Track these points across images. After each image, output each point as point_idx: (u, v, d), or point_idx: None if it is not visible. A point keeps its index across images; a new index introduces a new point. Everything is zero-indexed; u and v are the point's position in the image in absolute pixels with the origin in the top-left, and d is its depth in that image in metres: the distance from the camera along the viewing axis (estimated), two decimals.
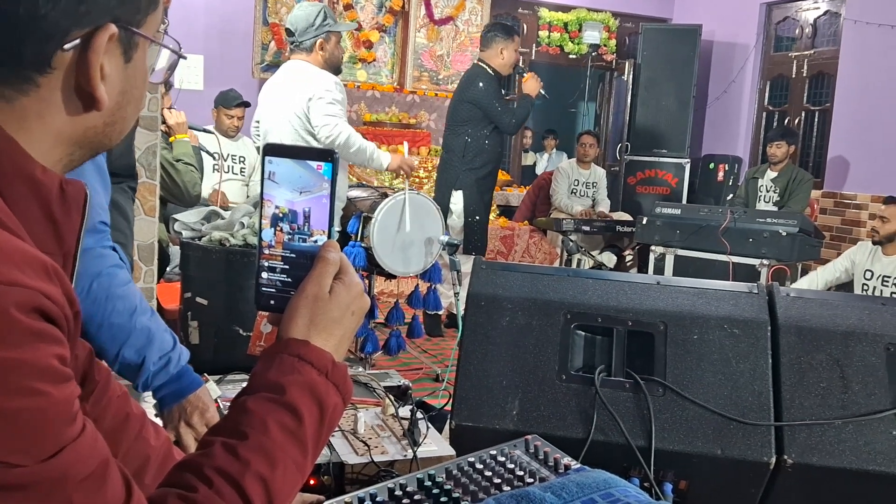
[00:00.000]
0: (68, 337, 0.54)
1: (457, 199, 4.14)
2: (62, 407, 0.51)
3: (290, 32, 3.12)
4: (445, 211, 4.18)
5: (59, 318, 0.52)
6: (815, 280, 4.12)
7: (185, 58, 0.70)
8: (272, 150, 0.70)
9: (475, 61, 4.32)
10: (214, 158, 4.02)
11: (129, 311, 1.19)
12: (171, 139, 2.99)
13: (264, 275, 0.71)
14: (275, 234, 0.71)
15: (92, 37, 0.57)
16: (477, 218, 4.14)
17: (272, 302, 0.71)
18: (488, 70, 4.15)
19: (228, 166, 4.36)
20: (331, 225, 0.70)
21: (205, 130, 3.76)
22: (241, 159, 4.44)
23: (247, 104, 4.43)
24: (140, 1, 0.60)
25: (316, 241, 0.70)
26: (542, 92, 4.19)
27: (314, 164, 0.70)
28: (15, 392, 0.48)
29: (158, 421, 1.24)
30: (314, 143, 3.01)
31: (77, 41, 0.56)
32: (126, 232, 1.84)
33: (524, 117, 4.22)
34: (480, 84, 4.10)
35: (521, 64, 4.33)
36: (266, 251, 0.71)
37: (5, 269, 0.49)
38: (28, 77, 0.56)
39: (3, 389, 0.48)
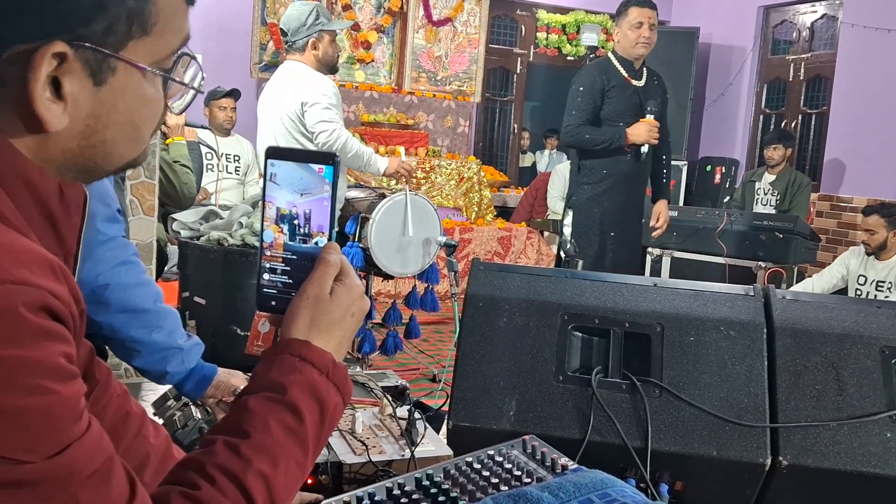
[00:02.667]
0: (74, 335, 0.54)
1: (568, 220, 3.38)
2: (69, 405, 0.52)
3: (283, 33, 3.12)
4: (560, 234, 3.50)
5: (65, 317, 0.53)
6: (811, 289, 4.13)
7: (201, 92, 0.68)
8: (274, 152, 0.71)
9: None
10: (208, 158, 4.02)
11: (153, 297, 1.26)
12: (167, 141, 2.99)
13: (265, 276, 0.72)
14: (275, 235, 0.71)
15: (33, 53, 0.54)
16: (586, 248, 3.30)
17: (273, 303, 0.72)
18: (610, 58, 3.31)
19: (223, 165, 4.36)
20: (331, 227, 0.71)
21: (202, 127, 3.76)
22: (236, 158, 4.44)
23: (236, 93, 4.43)
24: (115, 23, 0.56)
25: (316, 243, 0.71)
26: (644, 150, 3.23)
27: (315, 166, 0.70)
28: (23, 390, 0.49)
29: (158, 420, 1.26)
30: (308, 146, 3.01)
31: (13, 55, 0.54)
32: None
33: (589, 142, 3.23)
34: (581, 78, 3.30)
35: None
36: (267, 252, 0.72)
37: (14, 269, 0.50)
38: None
39: (11, 387, 0.48)
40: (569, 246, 3.36)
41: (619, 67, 3.27)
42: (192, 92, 0.68)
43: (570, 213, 3.37)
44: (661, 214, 3.52)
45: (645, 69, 3.34)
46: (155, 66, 0.61)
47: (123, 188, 2.22)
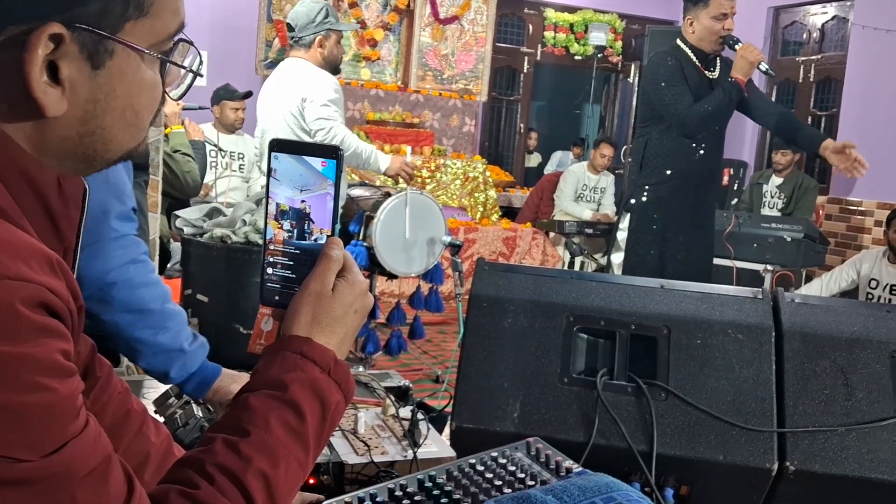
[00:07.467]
0: (72, 331, 0.54)
1: (624, 225, 3.03)
2: (67, 402, 0.51)
3: (290, 28, 3.12)
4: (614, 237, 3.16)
5: (63, 313, 0.52)
6: (819, 289, 4.10)
7: (200, 75, 0.66)
8: (278, 145, 0.70)
9: None
10: (212, 155, 4.03)
11: (160, 297, 1.25)
12: (166, 130, 2.99)
13: (269, 270, 0.71)
14: (275, 231, 0.71)
15: (28, 35, 0.52)
16: (644, 256, 2.92)
17: (276, 298, 0.71)
18: (681, 46, 2.90)
19: (226, 163, 4.36)
20: (334, 223, 0.70)
21: (200, 108, 3.74)
22: (241, 156, 4.45)
23: (249, 95, 4.44)
24: (111, 3, 0.55)
25: (316, 240, 0.70)
26: (764, 68, 2.80)
27: (318, 162, 0.69)
28: (21, 387, 0.48)
29: (159, 418, 1.25)
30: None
31: (7, 39, 0.52)
32: (144, 227, 1.88)
33: (711, 110, 2.79)
34: (658, 65, 2.91)
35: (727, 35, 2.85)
36: (270, 247, 0.71)
37: (12, 264, 0.49)
38: None
39: (9, 384, 0.48)
40: (574, 246, 3.33)
41: (693, 57, 2.89)
42: (189, 78, 0.66)
43: (627, 216, 3.02)
44: (835, 147, 2.81)
45: (719, 59, 2.96)
46: (153, 50, 0.60)
47: (146, 190, 2.21)
